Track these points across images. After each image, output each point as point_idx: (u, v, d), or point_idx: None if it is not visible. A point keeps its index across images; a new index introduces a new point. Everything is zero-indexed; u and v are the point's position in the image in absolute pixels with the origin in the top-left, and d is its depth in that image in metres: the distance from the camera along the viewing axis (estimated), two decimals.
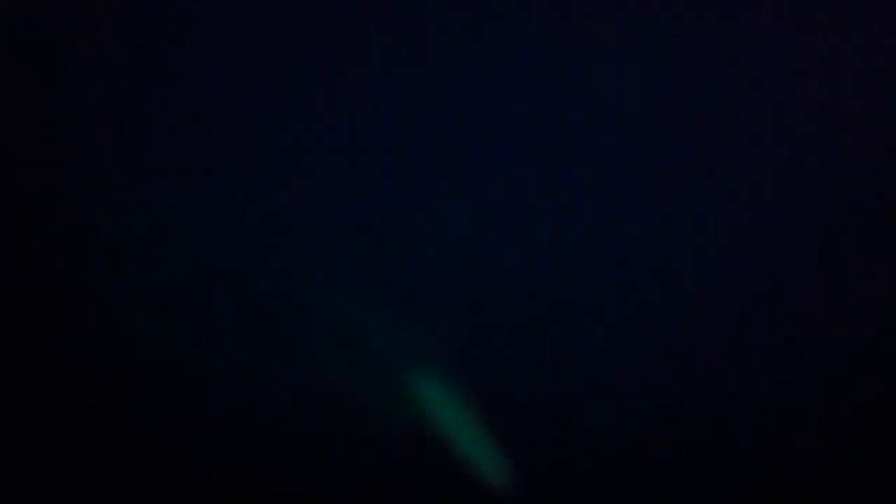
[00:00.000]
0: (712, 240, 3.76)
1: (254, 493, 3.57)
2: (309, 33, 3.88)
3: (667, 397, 3.65)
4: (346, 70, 3.86)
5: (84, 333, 3.70)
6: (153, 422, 3.64)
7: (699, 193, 3.79)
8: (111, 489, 3.59)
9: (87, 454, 3.62)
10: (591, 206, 3.78)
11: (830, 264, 3.73)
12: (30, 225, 3.77)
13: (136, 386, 3.67)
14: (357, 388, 3.65)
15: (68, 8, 3.86)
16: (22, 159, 3.80)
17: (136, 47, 3.88)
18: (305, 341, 3.69)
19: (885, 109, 3.80)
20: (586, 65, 3.84)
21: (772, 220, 3.78)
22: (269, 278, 3.72)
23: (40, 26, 3.86)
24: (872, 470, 3.58)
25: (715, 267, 3.74)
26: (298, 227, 3.77)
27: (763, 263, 3.75)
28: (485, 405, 3.64)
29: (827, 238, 3.74)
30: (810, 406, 3.65)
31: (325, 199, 3.78)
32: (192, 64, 3.86)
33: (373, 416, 3.55)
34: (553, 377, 3.67)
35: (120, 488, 3.59)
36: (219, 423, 3.64)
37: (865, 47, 3.84)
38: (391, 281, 3.72)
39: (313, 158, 3.82)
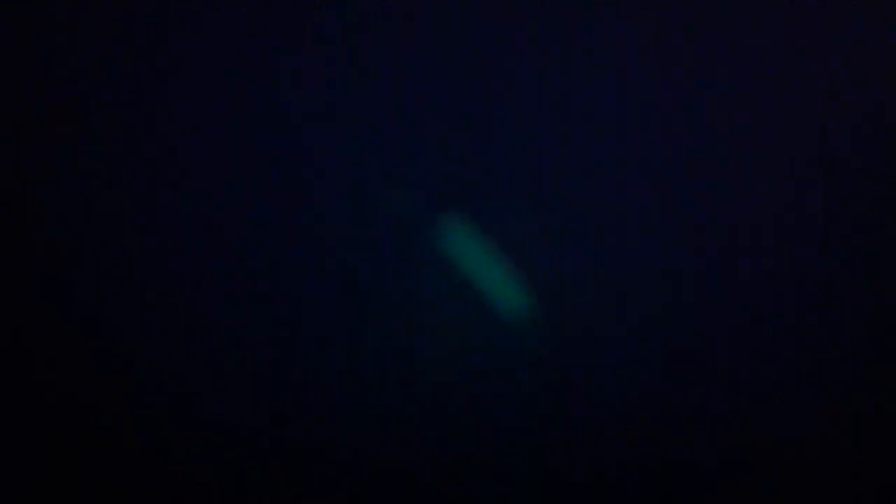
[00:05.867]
0: (713, 241, 3.76)
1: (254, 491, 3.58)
2: (307, 32, 3.89)
3: (667, 400, 3.66)
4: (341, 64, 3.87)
5: (83, 332, 3.71)
6: (153, 421, 3.66)
7: (700, 194, 3.79)
8: (111, 489, 3.60)
9: (86, 454, 3.63)
10: (590, 206, 3.78)
11: (834, 267, 3.73)
12: (29, 224, 3.78)
13: (136, 386, 3.68)
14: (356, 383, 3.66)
15: (68, 7, 3.87)
16: (21, 159, 3.81)
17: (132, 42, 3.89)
18: (305, 342, 3.70)
19: (889, 110, 3.80)
20: (587, 63, 3.84)
21: (775, 223, 3.78)
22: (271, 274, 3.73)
23: (40, 25, 3.87)
24: (873, 471, 3.58)
25: (716, 269, 3.75)
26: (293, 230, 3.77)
27: (766, 266, 3.75)
28: (480, 407, 3.65)
29: (831, 241, 3.74)
30: (814, 410, 3.65)
31: (321, 201, 3.79)
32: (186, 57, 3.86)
33: None
34: (551, 381, 3.68)
35: (120, 488, 3.60)
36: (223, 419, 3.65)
37: (869, 46, 3.84)
38: (389, 285, 3.73)
39: (310, 157, 3.83)
